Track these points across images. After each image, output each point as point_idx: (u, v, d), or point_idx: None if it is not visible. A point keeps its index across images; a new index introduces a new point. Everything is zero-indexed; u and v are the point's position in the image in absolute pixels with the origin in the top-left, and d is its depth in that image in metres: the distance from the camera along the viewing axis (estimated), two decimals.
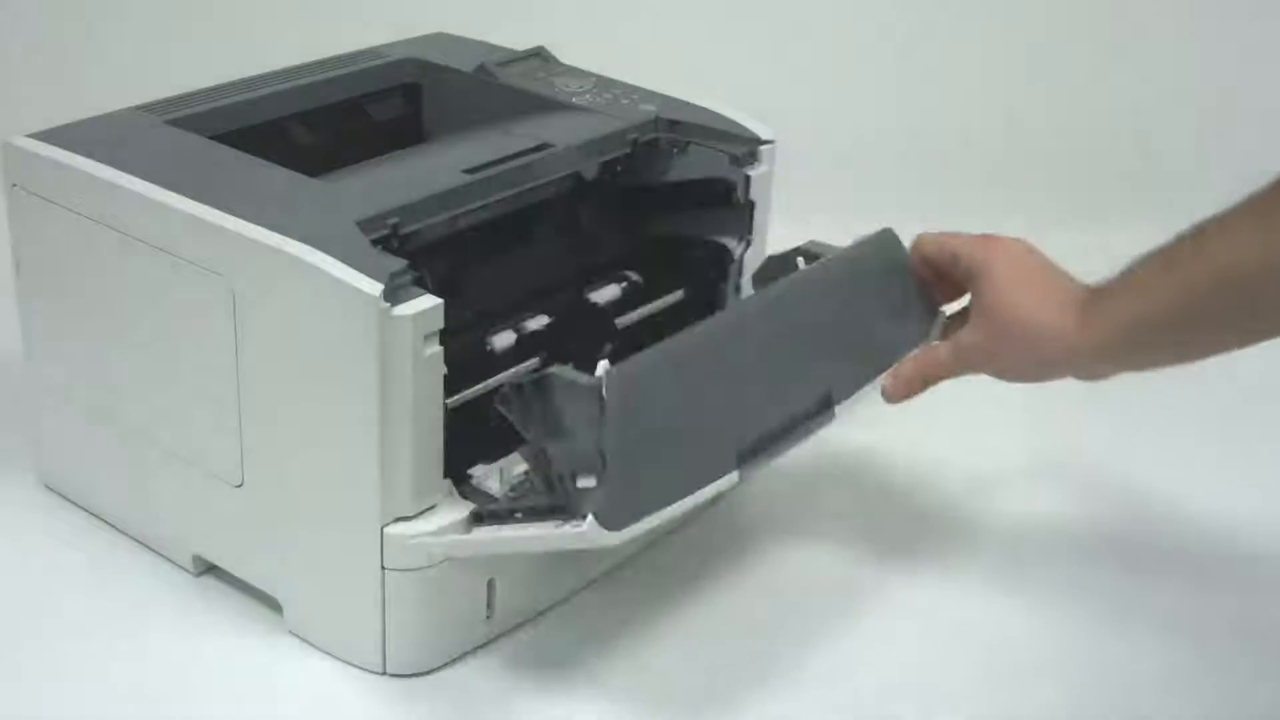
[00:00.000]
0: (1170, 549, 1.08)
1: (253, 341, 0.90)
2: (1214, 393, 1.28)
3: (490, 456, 0.95)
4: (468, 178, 0.96)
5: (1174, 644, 0.99)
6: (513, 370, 0.99)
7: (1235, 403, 1.27)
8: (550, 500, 0.85)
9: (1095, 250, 1.53)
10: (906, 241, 1.01)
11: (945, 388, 1.20)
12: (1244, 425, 1.25)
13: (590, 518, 0.81)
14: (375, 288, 0.84)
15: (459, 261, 0.99)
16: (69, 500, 1.08)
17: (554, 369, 0.84)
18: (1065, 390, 1.27)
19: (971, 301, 0.98)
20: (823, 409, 0.95)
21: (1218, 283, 0.86)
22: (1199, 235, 0.88)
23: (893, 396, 0.99)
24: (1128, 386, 1.28)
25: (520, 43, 1.19)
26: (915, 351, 1.00)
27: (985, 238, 0.99)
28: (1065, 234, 1.55)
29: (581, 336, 1.03)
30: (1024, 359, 0.96)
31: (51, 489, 1.09)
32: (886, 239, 1.00)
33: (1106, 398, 1.26)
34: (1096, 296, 0.94)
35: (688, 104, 1.11)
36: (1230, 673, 0.97)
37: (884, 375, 0.99)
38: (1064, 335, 0.93)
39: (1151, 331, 0.91)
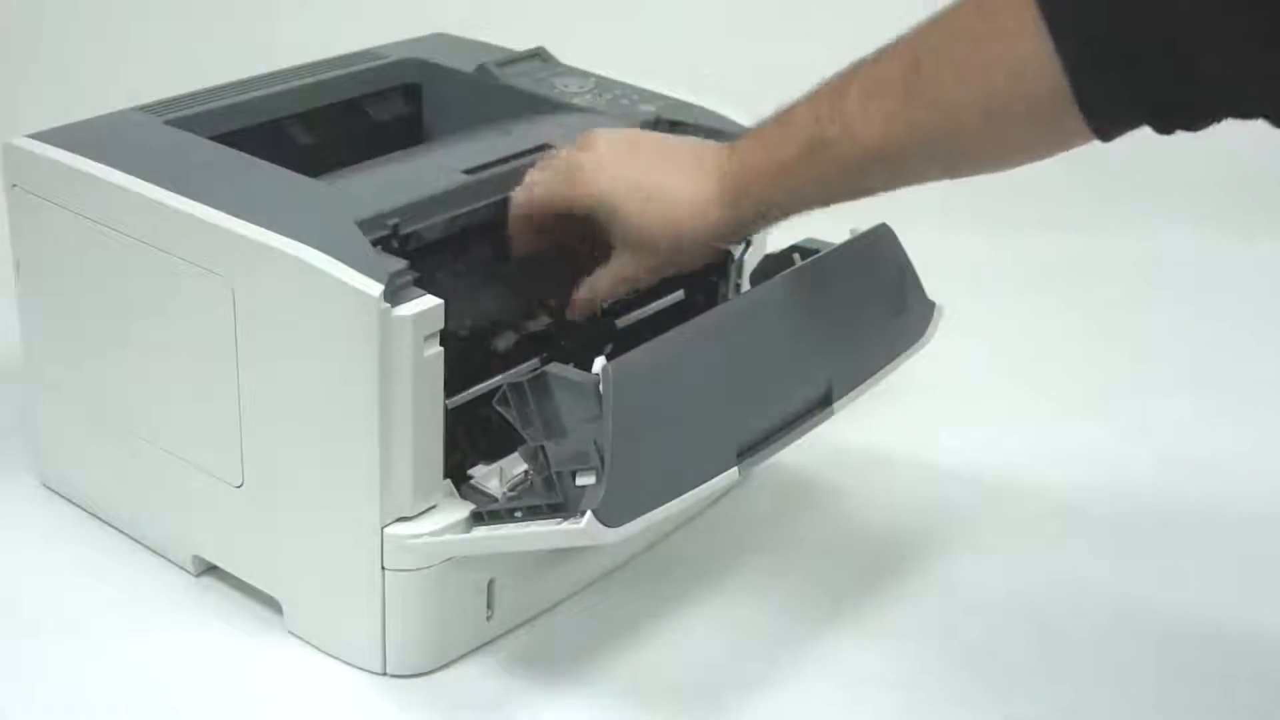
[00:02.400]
0: (1171, 551, 1.08)
1: (253, 341, 0.90)
2: (1212, 393, 1.28)
3: (490, 456, 0.95)
4: (468, 178, 0.97)
5: (1175, 646, 0.99)
6: (513, 370, 0.99)
7: (1234, 401, 1.27)
8: (549, 499, 0.85)
9: (1096, 250, 1.54)
10: (903, 238, 1.01)
11: (947, 386, 1.20)
12: (1248, 422, 1.25)
13: (589, 515, 0.81)
14: (375, 288, 0.84)
15: (459, 261, 0.99)
16: (69, 500, 1.08)
17: (551, 367, 0.84)
18: (1067, 390, 1.27)
19: (602, 231, 0.95)
20: (821, 405, 0.95)
21: (866, 158, 0.85)
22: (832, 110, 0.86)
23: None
24: (1128, 389, 1.29)
25: (520, 43, 1.19)
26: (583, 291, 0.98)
27: (567, 171, 0.94)
28: (1066, 234, 1.56)
29: (581, 337, 1.03)
30: (668, 243, 0.93)
31: (51, 489, 1.09)
32: (883, 234, 1.00)
33: (1108, 399, 1.27)
34: (720, 153, 0.92)
35: (688, 104, 1.11)
36: (1231, 675, 0.97)
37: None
38: (700, 192, 0.91)
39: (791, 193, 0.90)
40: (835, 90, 0.86)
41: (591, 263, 0.97)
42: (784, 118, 0.89)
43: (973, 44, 0.79)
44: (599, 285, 0.97)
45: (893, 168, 0.85)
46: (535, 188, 0.96)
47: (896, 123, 0.82)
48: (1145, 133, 0.81)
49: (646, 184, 0.92)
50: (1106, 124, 0.78)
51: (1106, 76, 0.75)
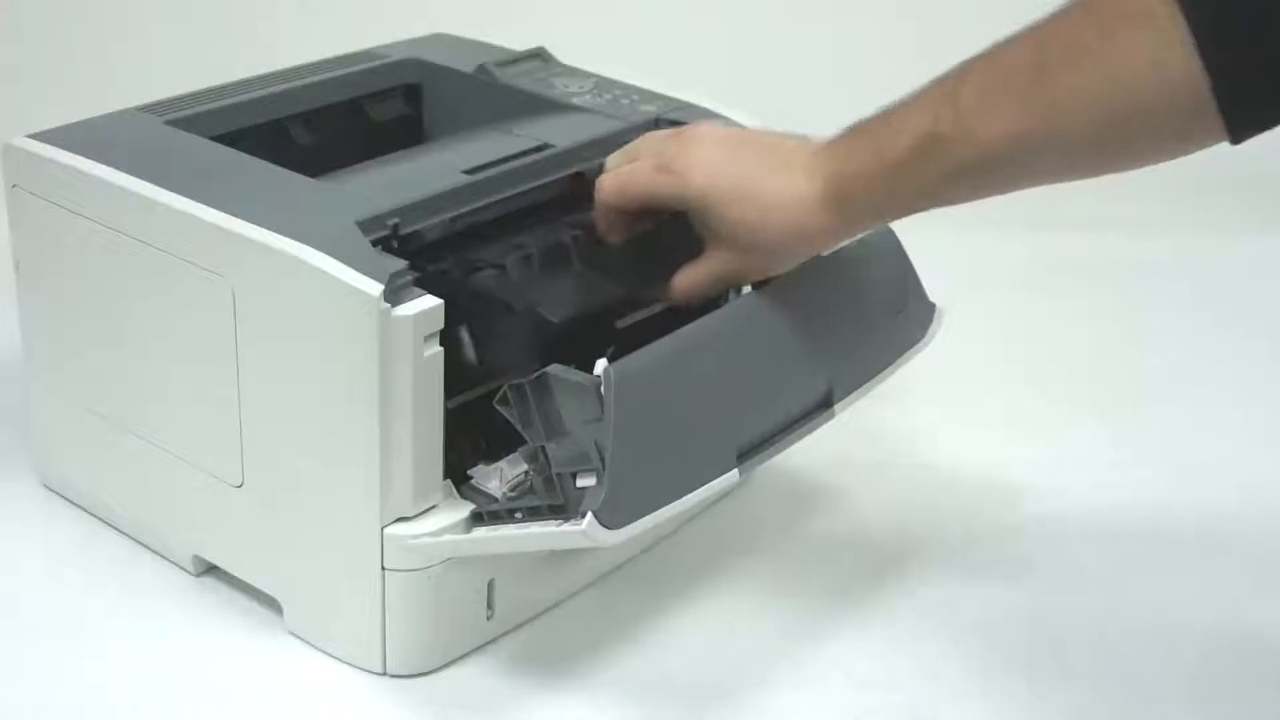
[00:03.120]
0: (1172, 550, 1.08)
1: (253, 341, 0.90)
2: (1214, 392, 1.28)
3: (490, 456, 0.95)
4: (468, 178, 0.97)
5: (1176, 647, 0.99)
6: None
7: (1236, 401, 1.27)
8: (550, 500, 0.85)
9: (1096, 250, 1.54)
10: (903, 238, 1.01)
11: (947, 387, 1.20)
12: (1250, 421, 1.25)
13: (590, 517, 0.81)
14: (375, 288, 0.84)
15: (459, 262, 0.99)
16: (69, 500, 1.08)
17: (552, 368, 0.84)
18: (1067, 390, 1.27)
19: (697, 226, 0.92)
20: (822, 407, 0.95)
21: (984, 160, 0.82)
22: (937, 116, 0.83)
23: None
24: (1129, 388, 1.29)
25: (520, 43, 1.19)
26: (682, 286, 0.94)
27: (664, 166, 0.91)
28: (1066, 234, 1.56)
29: (581, 337, 1.03)
30: (767, 245, 0.90)
31: (51, 489, 1.09)
32: (883, 235, 1.00)
33: (1109, 399, 1.27)
34: (828, 150, 0.88)
35: (688, 104, 1.11)
36: (1234, 677, 0.97)
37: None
38: (801, 195, 0.87)
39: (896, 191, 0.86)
40: (948, 88, 0.82)
41: (681, 253, 0.94)
42: (890, 117, 0.85)
43: (1103, 41, 0.76)
44: (695, 282, 0.94)
45: (1011, 170, 0.82)
46: (629, 180, 0.93)
47: (1019, 122, 0.79)
48: None
49: (747, 185, 0.89)
50: (1242, 125, 0.76)
51: (1248, 76, 0.73)
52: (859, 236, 0.91)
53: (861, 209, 0.87)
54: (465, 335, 0.91)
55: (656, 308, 1.09)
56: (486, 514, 0.90)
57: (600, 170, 0.97)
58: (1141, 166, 0.81)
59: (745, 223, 0.89)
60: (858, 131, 0.87)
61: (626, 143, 1.03)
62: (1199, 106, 0.75)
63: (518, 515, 0.87)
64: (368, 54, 1.18)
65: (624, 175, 0.93)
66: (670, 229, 0.95)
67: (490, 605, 0.95)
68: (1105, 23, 0.76)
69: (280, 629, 0.96)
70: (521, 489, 0.90)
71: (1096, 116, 0.78)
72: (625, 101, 1.10)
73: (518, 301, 0.92)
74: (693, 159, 0.91)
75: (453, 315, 0.88)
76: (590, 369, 0.83)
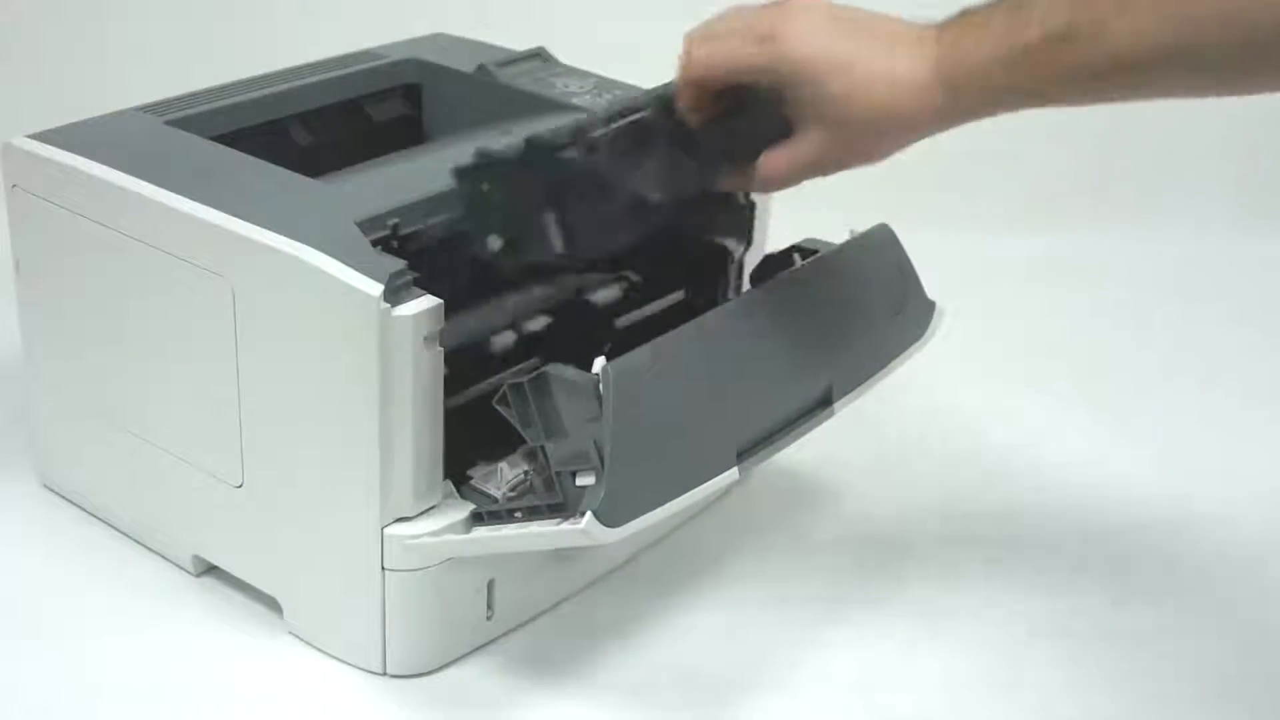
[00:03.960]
0: (1172, 549, 1.08)
1: (253, 341, 0.90)
2: (1214, 392, 1.28)
3: (490, 456, 0.95)
4: None
5: (1178, 646, 0.99)
6: (513, 370, 0.99)
7: (1236, 400, 1.27)
8: (549, 499, 0.85)
9: (1096, 250, 1.54)
10: (903, 238, 1.01)
11: (947, 385, 1.20)
12: (1250, 421, 1.25)
13: (589, 515, 0.81)
14: (375, 288, 0.84)
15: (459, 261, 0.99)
16: (69, 500, 1.08)
17: (551, 367, 0.84)
18: (1067, 389, 1.27)
19: (789, 105, 0.85)
20: (821, 405, 0.95)
21: (1118, 60, 0.77)
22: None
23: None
24: (1128, 388, 1.29)
25: (520, 43, 1.19)
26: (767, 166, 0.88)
27: (761, 37, 0.84)
28: (1066, 234, 1.56)
29: (581, 337, 1.03)
30: (868, 128, 0.84)
31: (51, 489, 1.09)
32: (883, 234, 1.00)
33: (1109, 398, 1.27)
34: (941, 33, 0.83)
35: None
36: (1238, 676, 0.97)
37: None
38: (909, 74, 0.82)
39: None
40: None
41: (762, 139, 0.88)
42: (1018, 7, 0.80)
43: None
44: (784, 166, 0.87)
45: (1138, 80, 0.78)
46: (717, 49, 0.86)
47: (1157, 34, 0.75)
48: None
49: (852, 59, 0.82)
50: None
51: None
52: (953, 126, 0.85)
53: (971, 96, 0.82)
54: (552, 220, 0.85)
55: (656, 307, 1.09)
56: (486, 514, 0.90)
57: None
58: (1267, 92, 0.77)
59: (846, 98, 0.83)
60: (974, 17, 0.82)
61: None
62: None
63: (517, 515, 0.87)
64: (367, 54, 1.18)
65: (715, 45, 0.86)
66: (752, 112, 0.87)
67: (490, 605, 0.95)
68: None
69: (280, 629, 0.96)
70: (521, 489, 0.90)
71: (1237, 35, 0.74)
72: None
73: (613, 181, 0.86)
74: (793, 28, 0.83)
75: (533, 202, 0.84)
76: (588, 366, 0.83)
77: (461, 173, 0.88)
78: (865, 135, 0.85)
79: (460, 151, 1.00)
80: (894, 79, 0.82)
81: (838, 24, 0.84)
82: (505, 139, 0.89)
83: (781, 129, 0.86)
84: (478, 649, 0.96)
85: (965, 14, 0.83)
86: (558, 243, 0.86)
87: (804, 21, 0.84)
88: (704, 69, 0.86)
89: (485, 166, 0.86)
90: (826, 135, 0.85)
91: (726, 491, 1.08)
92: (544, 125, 1.04)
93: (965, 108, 0.83)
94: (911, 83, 0.82)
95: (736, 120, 0.88)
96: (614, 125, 0.86)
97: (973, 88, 0.81)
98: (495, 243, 0.88)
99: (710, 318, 0.91)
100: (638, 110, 0.87)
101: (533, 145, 0.85)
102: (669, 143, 0.87)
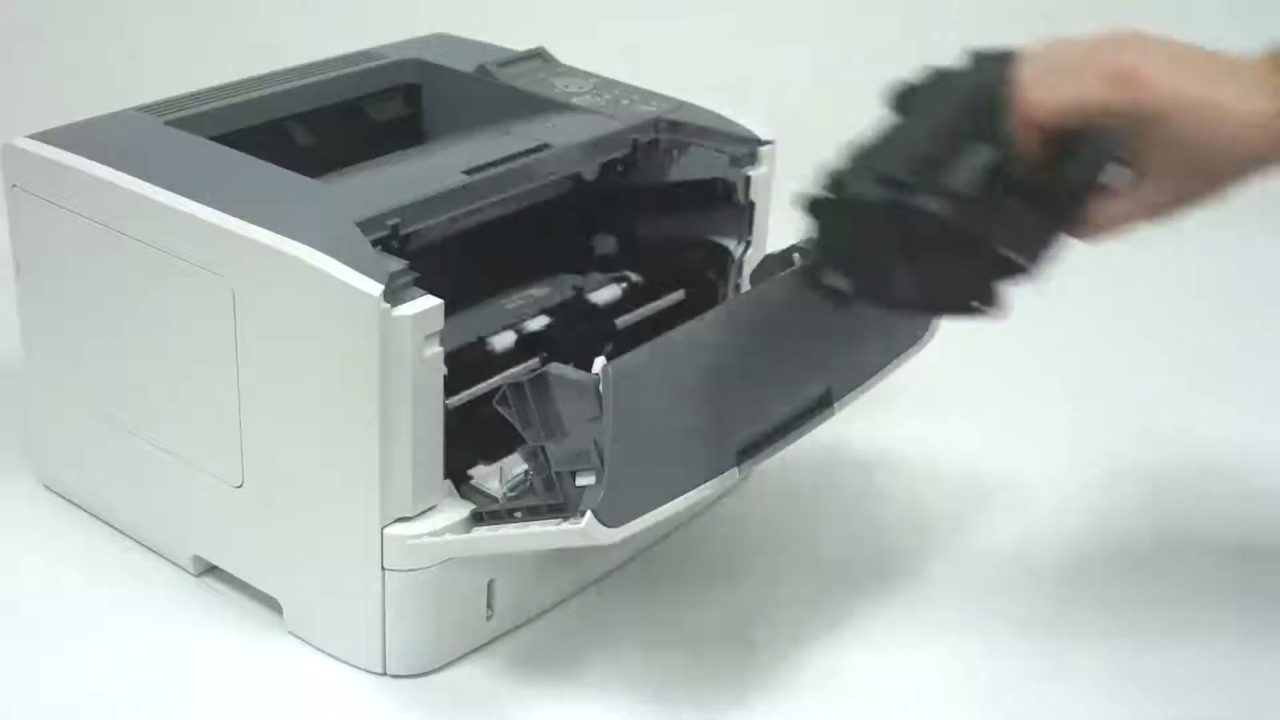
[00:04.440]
0: (1172, 549, 1.08)
1: (253, 342, 0.90)
2: (1214, 391, 1.28)
3: (490, 456, 0.95)
4: (468, 178, 0.97)
5: (1179, 646, 0.99)
6: (512, 370, 0.99)
7: (1235, 400, 1.27)
8: (549, 499, 0.85)
9: (1096, 250, 1.54)
10: None
11: (947, 385, 1.21)
12: (1249, 421, 1.24)
13: (589, 515, 0.81)
14: (375, 288, 0.84)
15: (459, 261, 0.99)
16: (69, 500, 1.08)
17: (551, 367, 0.84)
18: (1067, 389, 1.27)
19: (1129, 148, 0.81)
20: (821, 405, 0.95)
21: None
22: None
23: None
24: (1128, 387, 1.29)
25: (520, 43, 1.19)
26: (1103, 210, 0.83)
27: (1114, 76, 0.79)
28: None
29: (581, 337, 1.04)
30: (1213, 166, 0.80)
31: (51, 489, 1.09)
32: None
33: (1108, 398, 1.27)
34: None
35: (688, 104, 1.11)
36: (1241, 675, 0.97)
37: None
38: (1263, 112, 0.78)
39: None
40: None
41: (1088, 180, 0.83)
42: None
43: None
44: (1118, 216, 0.83)
45: None
46: (1063, 90, 0.80)
47: None
48: None
49: (1205, 98, 0.78)
50: None
51: None
52: None
53: None
54: (907, 273, 0.81)
55: (656, 307, 1.09)
56: (486, 514, 0.90)
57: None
58: None
59: (1204, 143, 0.79)
60: None
61: (626, 143, 1.03)
62: None
63: (518, 515, 0.87)
64: (367, 54, 1.18)
65: (1058, 85, 0.80)
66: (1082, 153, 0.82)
67: (490, 605, 0.95)
68: None
69: (280, 629, 0.96)
70: (521, 489, 0.90)
71: None
72: (625, 101, 1.10)
73: (981, 240, 0.81)
74: (1149, 67, 0.79)
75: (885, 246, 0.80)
76: (588, 366, 0.84)
77: (814, 204, 0.83)
78: (1213, 179, 0.81)
79: (460, 151, 1.01)
80: (1244, 116, 0.79)
81: (1184, 60, 0.81)
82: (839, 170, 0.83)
83: (1102, 169, 0.82)
84: (478, 649, 0.96)
85: None
86: (909, 291, 0.82)
87: (1156, 59, 0.80)
88: (1049, 112, 0.80)
89: (840, 203, 0.82)
90: (1177, 179, 0.81)
91: (726, 491, 1.08)
92: (544, 125, 1.05)
93: None
94: (1260, 119, 0.78)
95: (1066, 162, 0.82)
96: (967, 168, 0.80)
97: None
98: (839, 280, 0.84)
99: (710, 317, 0.91)
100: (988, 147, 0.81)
101: (887, 187, 0.80)
102: (1019, 192, 0.81)
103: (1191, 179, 0.81)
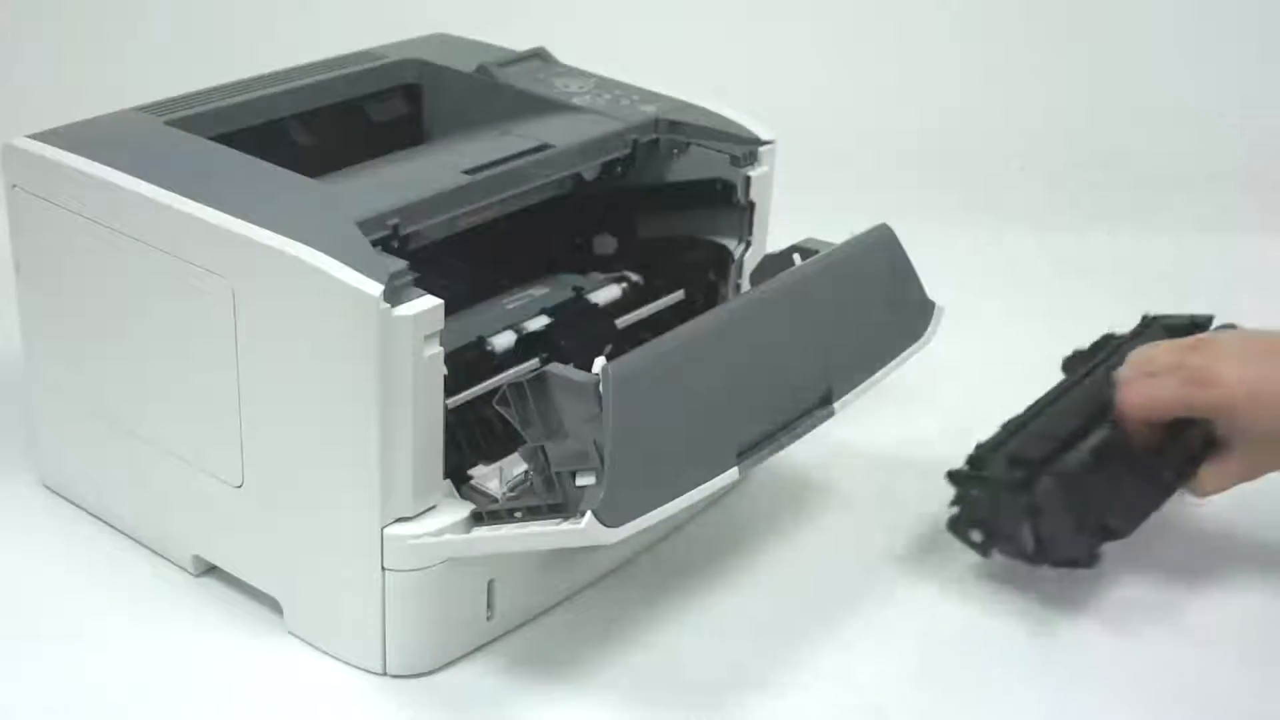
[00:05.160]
0: (1170, 548, 1.08)
1: (253, 341, 0.90)
2: None
3: (490, 456, 0.95)
4: (468, 178, 0.97)
5: (1178, 647, 0.99)
6: (513, 370, 0.99)
7: None
8: (549, 499, 0.85)
9: (1097, 250, 1.54)
10: (903, 238, 1.01)
11: (947, 385, 1.20)
12: None
13: (589, 515, 0.81)
14: (375, 288, 0.84)
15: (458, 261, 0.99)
16: (69, 500, 1.08)
17: (551, 367, 0.84)
18: None
19: (1220, 428, 0.99)
20: (822, 405, 0.95)
21: None
22: None
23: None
24: None
25: (520, 43, 1.19)
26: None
27: (1196, 381, 0.98)
28: (1067, 235, 1.56)
29: (581, 337, 1.04)
30: None
31: (51, 489, 1.09)
32: (883, 234, 1.00)
33: None
34: None
35: (688, 104, 1.11)
36: (1242, 677, 0.97)
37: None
38: None
39: None
40: None
41: (1195, 446, 1.00)
42: None
43: None
44: (1218, 482, 1.00)
45: None
46: (1154, 393, 0.98)
47: None
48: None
49: (1264, 389, 0.96)
50: None
51: None
52: None
53: None
54: (1028, 533, 0.98)
55: (656, 307, 1.09)
56: (486, 514, 0.90)
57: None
58: None
59: (1271, 429, 0.97)
60: None
61: (626, 143, 1.04)
62: None
63: (518, 515, 0.87)
64: (368, 54, 1.18)
65: (1149, 391, 0.99)
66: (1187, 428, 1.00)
67: (490, 605, 0.95)
68: None
69: (280, 629, 0.96)
70: (521, 489, 0.90)
71: None
72: (625, 101, 1.10)
73: (1088, 509, 0.97)
74: (1225, 372, 0.97)
75: (1015, 511, 0.97)
76: (588, 366, 0.84)
77: (955, 476, 1.01)
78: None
79: (460, 151, 1.01)
80: None
81: (1261, 359, 0.98)
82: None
83: (1209, 438, 1.00)
84: (478, 649, 0.96)
85: None
86: (1030, 547, 0.98)
87: (1234, 365, 0.97)
88: (1143, 411, 0.99)
89: (978, 478, 0.99)
90: (1254, 454, 0.99)
91: (726, 491, 1.08)
92: (544, 125, 1.05)
93: None
94: None
95: (1177, 437, 1.00)
96: (1081, 452, 0.99)
97: None
98: (976, 536, 1.00)
99: (710, 317, 0.91)
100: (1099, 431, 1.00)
101: (1016, 467, 0.98)
102: (1125, 466, 0.99)
103: (1271, 454, 0.99)
